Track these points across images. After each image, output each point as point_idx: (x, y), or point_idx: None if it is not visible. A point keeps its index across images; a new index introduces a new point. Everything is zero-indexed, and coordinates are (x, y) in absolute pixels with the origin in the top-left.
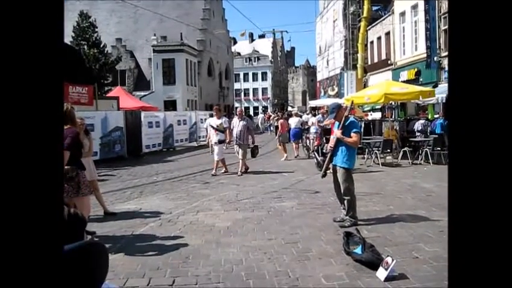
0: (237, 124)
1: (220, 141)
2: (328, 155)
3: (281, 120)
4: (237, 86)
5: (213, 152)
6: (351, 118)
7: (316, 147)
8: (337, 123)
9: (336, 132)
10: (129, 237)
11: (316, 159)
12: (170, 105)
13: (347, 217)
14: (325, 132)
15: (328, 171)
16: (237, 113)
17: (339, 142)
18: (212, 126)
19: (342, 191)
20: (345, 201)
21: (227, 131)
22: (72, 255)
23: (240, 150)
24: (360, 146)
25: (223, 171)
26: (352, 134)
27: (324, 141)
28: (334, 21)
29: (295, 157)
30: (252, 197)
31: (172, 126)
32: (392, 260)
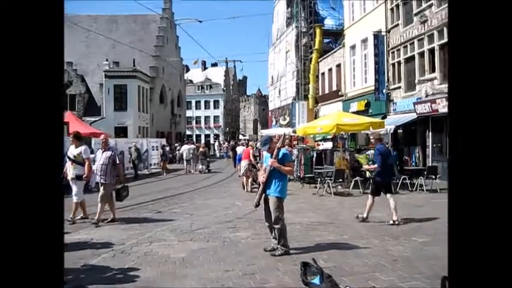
0: (100, 156)
1: (78, 177)
2: (261, 186)
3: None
4: (189, 113)
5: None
6: (284, 150)
7: None
8: (269, 154)
9: (272, 162)
10: (81, 270)
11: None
12: (121, 131)
13: (278, 246)
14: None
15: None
16: (101, 143)
17: (272, 173)
18: (69, 157)
19: (273, 220)
20: (275, 230)
21: (87, 163)
22: None
23: (102, 190)
24: (311, 175)
25: (80, 216)
26: (289, 164)
27: None
28: (286, 52)
29: (239, 176)
30: (206, 227)
31: (123, 154)
32: None
